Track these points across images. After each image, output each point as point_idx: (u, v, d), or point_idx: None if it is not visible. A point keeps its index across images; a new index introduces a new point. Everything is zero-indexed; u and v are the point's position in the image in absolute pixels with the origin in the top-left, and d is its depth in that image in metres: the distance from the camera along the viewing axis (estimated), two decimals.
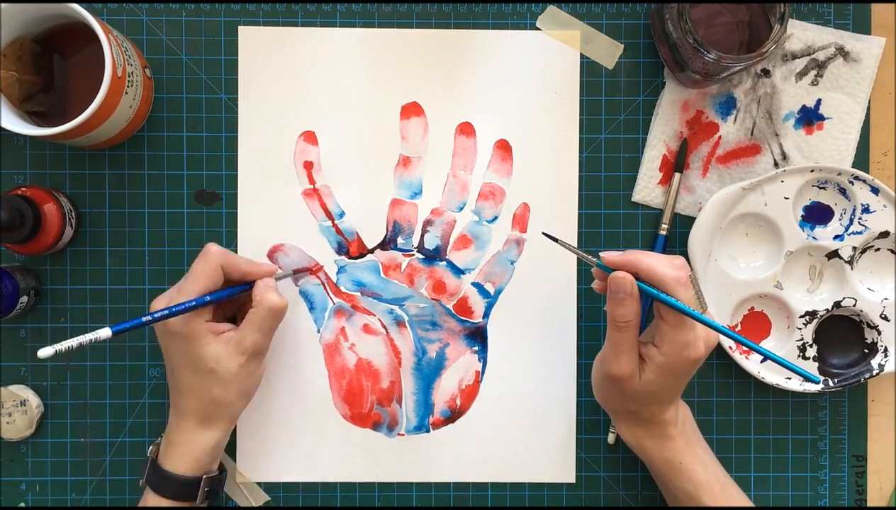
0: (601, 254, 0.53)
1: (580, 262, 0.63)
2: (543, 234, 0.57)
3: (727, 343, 0.62)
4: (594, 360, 0.57)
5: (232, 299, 0.57)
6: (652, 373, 0.53)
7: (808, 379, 0.51)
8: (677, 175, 0.63)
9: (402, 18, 0.63)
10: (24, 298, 0.59)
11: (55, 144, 0.62)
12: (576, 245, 0.63)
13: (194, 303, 0.54)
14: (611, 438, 0.63)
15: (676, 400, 0.56)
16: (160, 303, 0.55)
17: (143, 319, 0.52)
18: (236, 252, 0.62)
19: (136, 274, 0.63)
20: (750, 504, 0.58)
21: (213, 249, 0.56)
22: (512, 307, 0.63)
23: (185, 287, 0.55)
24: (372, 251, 0.63)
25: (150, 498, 0.56)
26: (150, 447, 0.59)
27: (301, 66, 0.62)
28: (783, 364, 0.51)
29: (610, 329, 0.53)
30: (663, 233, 0.63)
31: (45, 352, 0.48)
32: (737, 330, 0.63)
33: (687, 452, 0.56)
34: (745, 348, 0.63)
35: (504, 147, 0.63)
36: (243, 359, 0.55)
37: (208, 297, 0.55)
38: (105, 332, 0.50)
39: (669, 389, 0.54)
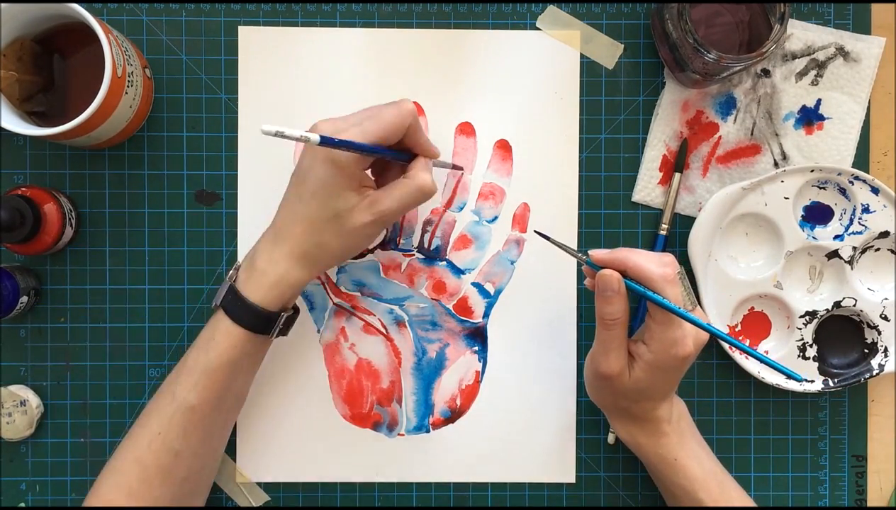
0: (590, 251, 0.53)
1: (580, 262, 0.63)
2: (535, 232, 0.57)
3: (727, 343, 0.62)
4: (586, 358, 0.57)
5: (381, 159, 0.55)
6: (641, 371, 0.53)
7: (790, 377, 0.51)
8: (677, 175, 0.63)
9: (402, 18, 0.63)
10: (24, 298, 0.59)
11: (55, 144, 0.62)
12: (576, 245, 0.63)
13: (385, 151, 0.52)
14: (611, 438, 0.63)
15: (669, 397, 0.56)
16: (326, 127, 0.51)
17: (346, 140, 0.50)
18: (236, 252, 0.62)
19: (136, 274, 0.63)
20: (749, 501, 0.58)
21: (408, 106, 0.52)
22: (512, 307, 0.63)
23: (367, 126, 0.51)
24: (372, 251, 0.63)
25: (225, 325, 0.53)
26: (230, 272, 0.56)
27: (301, 66, 0.62)
28: (770, 364, 0.52)
29: (598, 327, 0.53)
30: (663, 233, 0.63)
31: (267, 127, 0.45)
32: (737, 330, 0.63)
33: (682, 449, 0.56)
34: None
35: (504, 147, 0.63)
36: (370, 219, 0.52)
37: (389, 152, 0.52)
38: (315, 137, 0.47)
39: (660, 386, 0.54)
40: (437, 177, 0.63)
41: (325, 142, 0.48)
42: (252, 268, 0.54)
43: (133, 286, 0.62)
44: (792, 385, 0.62)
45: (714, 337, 0.53)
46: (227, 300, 0.54)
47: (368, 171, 0.55)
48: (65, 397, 0.63)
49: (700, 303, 0.62)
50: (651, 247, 0.63)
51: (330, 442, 0.63)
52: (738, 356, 0.62)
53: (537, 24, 0.63)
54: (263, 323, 0.54)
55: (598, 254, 0.53)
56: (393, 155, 0.54)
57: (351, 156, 0.51)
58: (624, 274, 0.52)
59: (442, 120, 0.63)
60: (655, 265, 0.51)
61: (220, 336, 0.53)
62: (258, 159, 0.63)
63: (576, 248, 0.63)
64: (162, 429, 0.53)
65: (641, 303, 0.60)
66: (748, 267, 0.63)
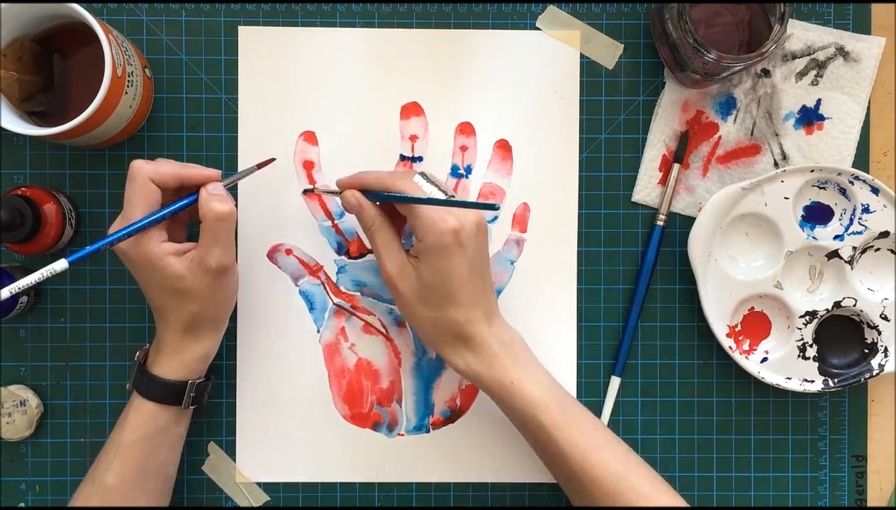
0: (336, 180, 0.58)
1: (580, 262, 0.63)
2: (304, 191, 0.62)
3: (727, 343, 0.62)
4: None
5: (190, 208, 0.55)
6: (422, 264, 0.53)
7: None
8: (676, 166, 0.63)
9: (402, 18, 0.63)
10: (24, 298, 0.59)
11: (55, 144, 0.62)
12: (576, 245, 0.63)
13: (130, 229, 0.52)
14: None
15: (486, 309, 0.55)
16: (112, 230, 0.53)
17: (96, 246, 0.52)
18: (236, 252, 0.62)
19: None
20: (591, 418, 0.56)
21: (136, 165, 0.53)
22: (512, 307, 0.63)
23: (126, 214, 0.53)
24: (372, 251, 0.63)
25: (137, 401, 0.55)
26: (137, 353, 0.58)
27: (301, 66, 0.62)
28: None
29: (369, 241, 0.56)
30: (660, 223, 0.63)
31: (3, 292, 0.49)
32: (737, 330, 0.63)
33: (516, 370, 0.54)
34: (745, 348, 0.63)
35: (504, 147, 0.63)
36: (210, 276, 0.53)
37: (145, 221, 0.52)
38: (62, 264, 0.50)
39: (452, 281, 0.53)
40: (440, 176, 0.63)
41: (101, 245, 0.52)
42: (156, 349, 0.56)
43: (133, 286, 0.62)
44: (792, 385, 0.62)
45: (441, 204, 0.53)
46: (136, 378, 0.56)
47: (165, 238, 0.54)
48: (65, 397, 0.63)
49: (700, 303, 0.62)
50: (648, 239, 0.63)
51: (330, 442, 0.63)
52: (738, 356, 0.62)
53: (537, 24, 0.63)
54: (173, 394, 0.55)
55: (342, 179, 0.57)
56: (172, 208, 0.54)
57: (133, 245, 0.53)
58: (365, 192, 0.55)
59: (442, 120, 0.63)
60: (388, 174, 0.56)
61: (132, 412, 0.55)
62: (258, 159, 0.62)
63: (574, 250, 0.63)
64: None
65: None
66: (748, 267, 0.63)
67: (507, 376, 0.54)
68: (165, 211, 0.53)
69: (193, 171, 0.54)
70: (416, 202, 0.52)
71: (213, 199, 0.53)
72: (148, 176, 0.52)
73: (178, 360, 0.55)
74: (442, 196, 0.54)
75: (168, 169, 0.53)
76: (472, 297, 0.54)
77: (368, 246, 0.63)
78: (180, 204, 0.54)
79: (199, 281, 0.53)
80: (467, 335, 0.54)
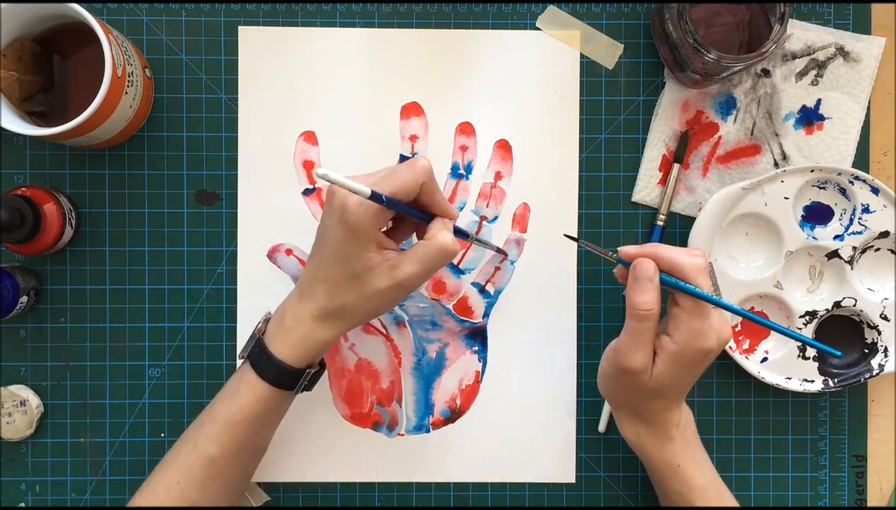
0: (619, 248, 0.53)
1: (580, 262, 0.63)
2: (565, 235, 0.56)
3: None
4: (606, 350, 0.56)
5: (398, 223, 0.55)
6: (664, 364, 0.52)
7: (830, 353, 0.52)
8: (676, 166, 0.63)
9: (402, 18, 0.63)
10: (24, 298, 0.59)
11: (55, 144, 0.62)
12: (576, 245, 0.63)
13: (405, 208, 0.51)
14: (601, 427, 0.63)
15: (681, 399, 0.56)
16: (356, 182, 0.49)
17: (378, 197, 0.48)
18: (236, 252, 0.62)
19: (136, 274, 0.63)
20: None
21: (423, 163, 0.51)
22: (512, 307, 0.63)
23: (381, 186, 0.50)
24: None
25: (252, 379, 0.53)
26: (258, 324, 0.55)
27: (301, 66, 0.62)
28: (808, 342, 0.53)
29: (629, 320, 0.52)
30: (660, 223, 0.63)
31: (321, 171, 0.45)
32: (737, 330, 0.63)
33: (686, 455, 0.56)
34: (745, 348, 0.63)
35: (504, 147, 0.63)
36: (391, 284, 0.51)
37: (413, 212, 0.51)
38: (365, 190, 0.47)
39: (679, 383, 0.54)
40: (436, 177, 0.63)
41: (375, 197, 0.48)
42: (280, 324, 0.53)
43: (133, 286, 0.62)
44: (792, 385, 0.62)
45: (750, 320, 0.53)
46: (254, 354, 0.54)
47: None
48: (65, 397, 0.63)
49: None
50: (648, 239, 0.63)
51: (330, 442, 0.63)
52: (738, 356, 0.62)
53: (537, 24, 0.63)
54: (288, 379, 0.53)
55: (627, 249, 0.53)
56: (415, 213, 0.52)
57: (365, 218, 0.50)
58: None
59: (442, 120, 0.63)
60: (687, 256, 0.52)
61: (245, 389, 0.53)
62: (258, 159, 0.63)
63: (574, 250, 0.63)
64: (181, 478, 0.53)
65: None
66: (748, 267, 0.63)
67: (676, 460, 0.56)
68: (415, 211, 0.52)
69: (445, 203, 0.53)
70: (711, 302, 0.51)
71: (447, 232, 0.52)
72: (424, 178, 0.51)
73: (302, 347, 0.53)
74: (718, 298, 0.53)
75: (435, 187, 0.52)
76: (680, 394, 0.55)
77: None
78: (418, 214, 0.53)
79: (379, 280, 0.51)
80: (654, 420, 0.56)
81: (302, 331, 0.53)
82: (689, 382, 0.55)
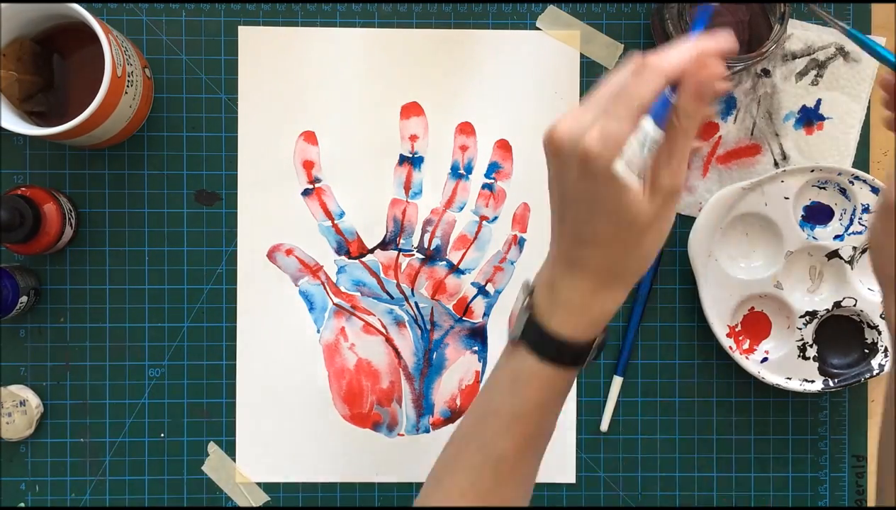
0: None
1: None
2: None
3: (727, 343, 0.62)
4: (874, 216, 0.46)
5: None
6: None
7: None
8: None
9: (402, 18, 0.63)
10: (24, 298, 0.59)
11: (55, 144, 0.62)
12: None
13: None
14: (603, 425, 0.63)
15: None
16: (566, 124, 0.42)
17: (662, 99, 0.41)
18: (236, 252, 0.62)
19: (136, 274, 0.63)
20: None
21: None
22: (512, 307, 0.63)
23: (613, 111, 0.41)
24: (372, 251, 0.63)
25: (533, 365, 0.46)
26: (524, 299, 0.47)
27: (301, 66, 0.62)
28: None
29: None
30: None
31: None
32: (737, 330, 0.63)
33: None
34: (745, 348, 0.63)
35: (504, 147, 0.63)
36: (659, 199, 0.43)
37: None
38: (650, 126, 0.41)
39: None
40: (436, 177, 0.63)
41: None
42: (554, 299, 0.46)
43: (133, 286, 0.62)
44: (792, 385, 0.62)
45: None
46: (532, 336, 0.46)
47: None
48: (65, 397, 0.63)
49: (700, 303, 0.62)
50: None
51: (330, 442, 0.63)
52: (738, 356, 0.62)
53: (537, 24, 0.63)
54: (578, 356, 0.46)
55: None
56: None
57: (607, 156, 0.41)
58: None
59: (442, 120, 0.63)
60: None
61: (528, 376, 0.46)
62: (258, 159, 0.63)
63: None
64: (475, 480, 0.48)
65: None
66: (748, 267, 0.63)
67: None
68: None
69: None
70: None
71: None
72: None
73: (586, 319, 0.45)
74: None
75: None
76: None
77: (369, 246, 0.63)
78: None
79: (647, 207, 0.43)
80: None
81: (583, 306, 0.45)
82: None
